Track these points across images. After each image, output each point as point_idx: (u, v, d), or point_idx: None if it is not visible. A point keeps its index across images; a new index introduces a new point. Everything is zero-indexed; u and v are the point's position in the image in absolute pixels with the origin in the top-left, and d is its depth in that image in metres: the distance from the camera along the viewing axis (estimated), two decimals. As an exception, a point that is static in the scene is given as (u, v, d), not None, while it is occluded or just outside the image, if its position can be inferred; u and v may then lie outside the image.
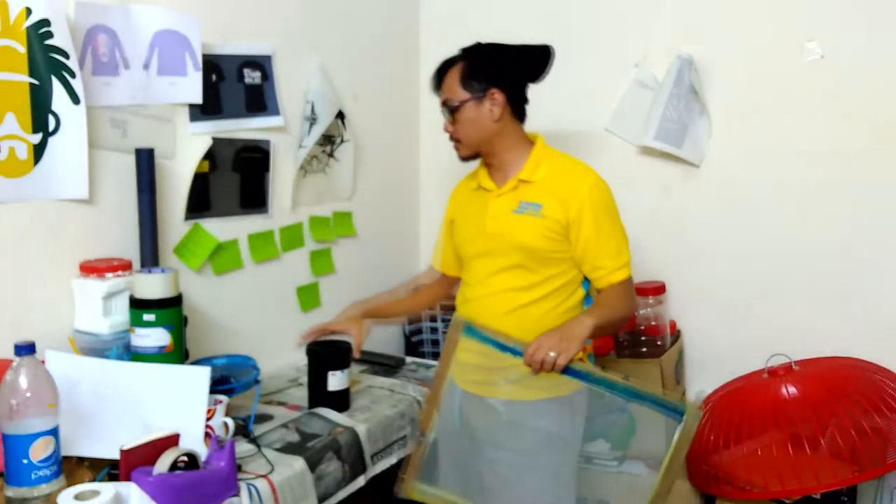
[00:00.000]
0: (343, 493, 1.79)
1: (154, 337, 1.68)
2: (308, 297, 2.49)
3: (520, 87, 1.87)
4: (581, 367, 1.70)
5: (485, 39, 1.90)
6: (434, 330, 2.77)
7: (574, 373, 1.69)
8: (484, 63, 1.84)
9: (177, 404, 1.56)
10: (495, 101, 1.82)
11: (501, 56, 1.86)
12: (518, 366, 1.71)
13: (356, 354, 1.99)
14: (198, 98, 2.05)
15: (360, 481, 1.86)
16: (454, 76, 1.84)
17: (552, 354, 1.65)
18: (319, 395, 1.96)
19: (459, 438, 1.90)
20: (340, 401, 1.97)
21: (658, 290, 2.55)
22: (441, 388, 1.82)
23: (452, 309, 1.97)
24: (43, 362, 1.46)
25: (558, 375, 1.68)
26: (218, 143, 2.14)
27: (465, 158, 1.90)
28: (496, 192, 1.87)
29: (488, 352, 1.79)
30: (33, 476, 1.35)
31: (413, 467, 1.86)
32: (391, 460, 1.97)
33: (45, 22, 1.68)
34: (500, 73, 1.84)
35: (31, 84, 1.69)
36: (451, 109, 1.84)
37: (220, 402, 1.66)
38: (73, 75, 1.73)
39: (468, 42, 1.90)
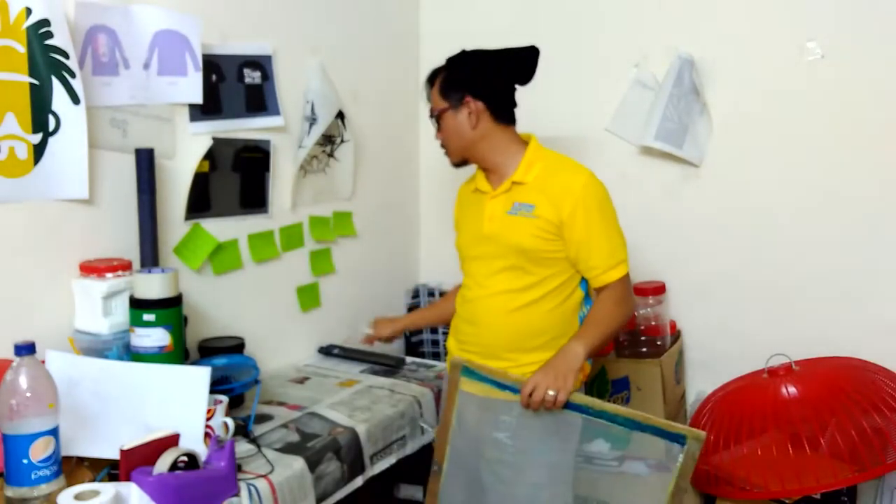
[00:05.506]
0: (341, 494, 1.80)
1: (154, 337, 1.69)
2: (308, 297, 2.49)
3: (503, 92, 1.88)
4: (581, 400, 1.73)
5: (480, 42, 1.93)
6: (434, 330, 2.77)
7: (575, 407, 1.72)
8: (460, 72, 1.88)
9: (177, 404, 1.56)
10: (472, 109, 1.85)
11: (481, 63, 1.88)
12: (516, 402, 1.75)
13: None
14: (198, 98, 2.06)
15: (359, 481, 1.86)
16: (437, 86, 1.90)
17: (551, 393, 1.68)
18: None
19: (457, 437, 1.89)
20: None
21: (658, 290, 2.54)
22: (450, 424, 1.85)
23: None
24: (43, 362, 1.46)
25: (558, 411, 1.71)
26: (218, 143, 2.14)
27: (455, 164, 1.95)
28: (491, 193, 1.89)
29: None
30: (33, 476, 1.35)
31: (432, 495, 1.89)
32: (390, 460, 1.98)
33: (45, 22, 1.68)
34: (476, 80, 1.86)
35: (31, 84, 1.69)
36: (434, 118, 1.91)
37: (220, 402, 1.66)
38: (73, 75, 1.73)
39: (468, 43, 1.91)
